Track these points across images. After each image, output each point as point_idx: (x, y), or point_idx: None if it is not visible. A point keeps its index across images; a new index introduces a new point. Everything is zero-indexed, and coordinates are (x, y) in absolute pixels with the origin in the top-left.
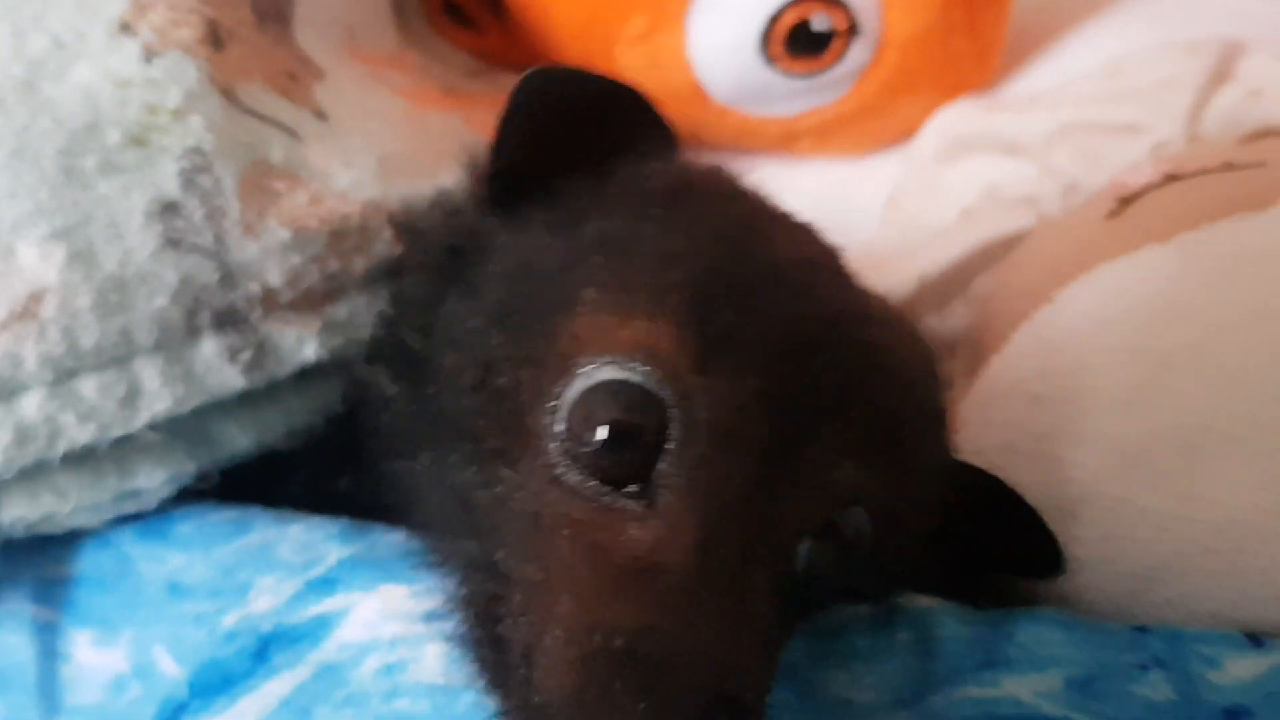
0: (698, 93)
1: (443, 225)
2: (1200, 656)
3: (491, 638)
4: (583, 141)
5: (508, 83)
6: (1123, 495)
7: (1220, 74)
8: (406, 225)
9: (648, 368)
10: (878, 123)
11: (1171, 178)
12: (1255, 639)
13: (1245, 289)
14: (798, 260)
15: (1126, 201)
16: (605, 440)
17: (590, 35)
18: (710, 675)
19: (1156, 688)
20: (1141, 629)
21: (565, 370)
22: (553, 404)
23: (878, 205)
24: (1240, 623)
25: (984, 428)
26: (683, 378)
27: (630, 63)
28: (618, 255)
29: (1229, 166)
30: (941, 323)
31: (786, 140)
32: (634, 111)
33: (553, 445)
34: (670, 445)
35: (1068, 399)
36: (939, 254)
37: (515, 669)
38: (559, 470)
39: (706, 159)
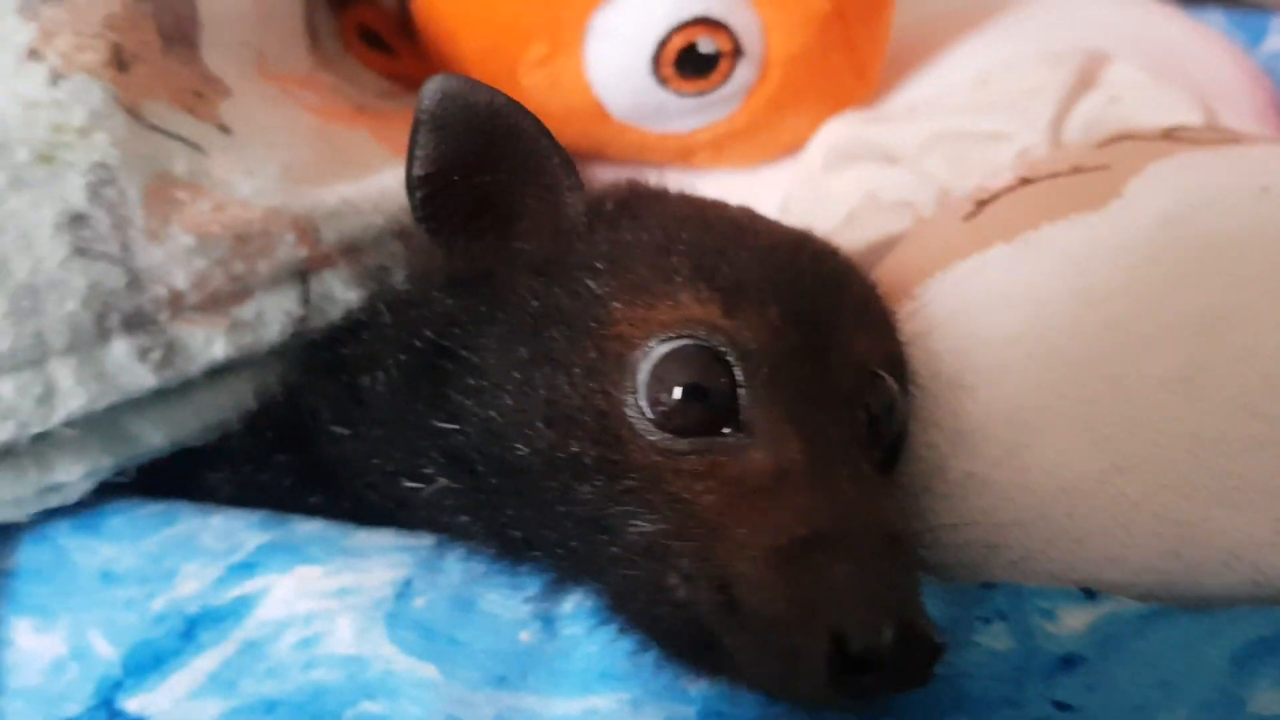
0: (599, 111)
1: (402, 320)
2: (1038, 609)
3: (674, 610)
4: (486, 150)
5: None
6: (968, 470)
7: (1083, 82)
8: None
9: (693, 330)
10: (767, 136)
11: (1025, 181)
12: (1089, 592)
13: (1073, 280)
14: (745, 215)
15: (983, 204)
16: (685, 397)
17: (495, 59)
18: (878, 522)
19: (998, 638)
20: (988, 585)
21: (626, 366)
22: (631, 396)
23: (770, 213)
24: (1077, 582)
25: None
26: (721, 326)
27: (533, 84)
28: (619, 263)
29: (1077, 170)
30: None
31: (684, 154)
32: (525, 127)
33: (647, 429)
34: (740, 381)
35: (920, 386)
36: None
37: (711, 618)
38: (665, 445)
39: (612, 173)
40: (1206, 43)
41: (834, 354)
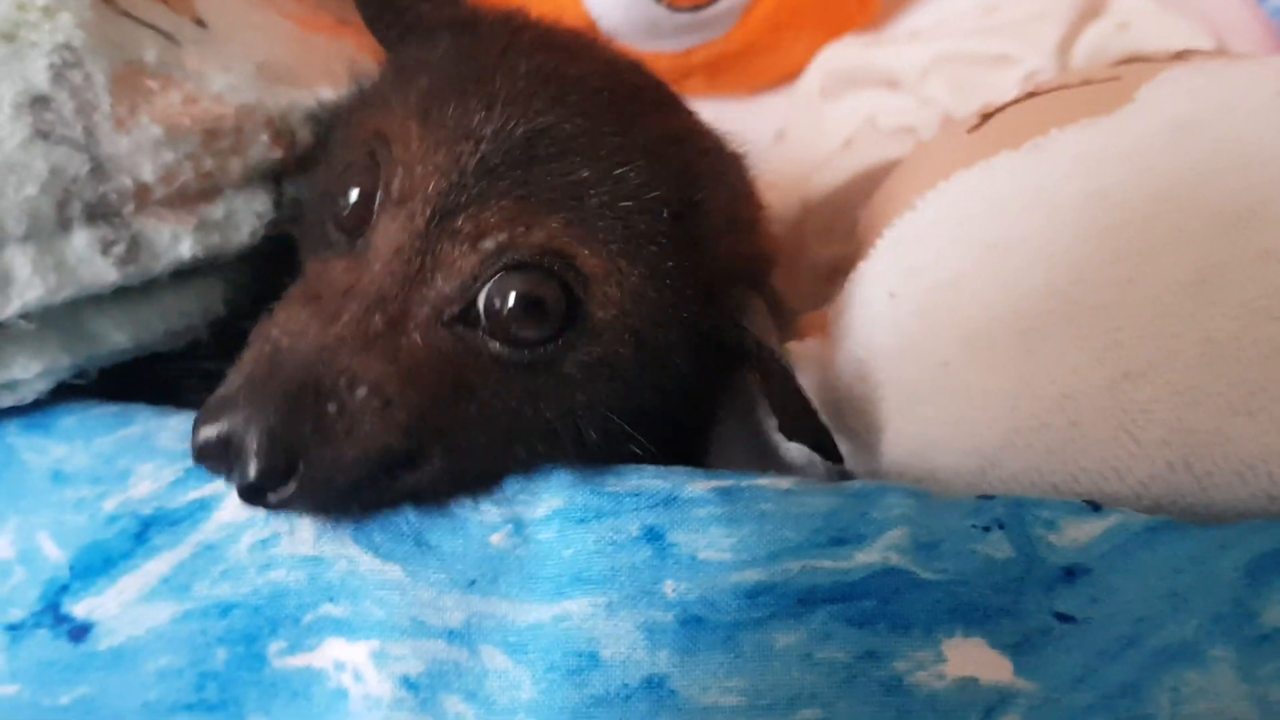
0: (589, 26)
1: None
2: (1040, 520)
3: None
4: None
5: None
6: (968, 378)
7: (1091, 9)
8: None
9: (369, 138)
10: (764, 59)
11: (1032, 95)
12: (1094, 505)
13: (1083, 183)
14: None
15: (988, 116)
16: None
17: None
18: (313, 368)
19: (997, 546)
20: (987, 497)
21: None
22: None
23: (768, 140)
24: (1080, 494)
25: (851, 328)
26: (391, 148)
27: None
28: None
29: (1087, 83)
30: (827, 249)
31: (679, 78)
32: None
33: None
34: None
35: (920, 293)
36: (822, 182)
37: None
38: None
39: None
40: None
41: (470, 220)
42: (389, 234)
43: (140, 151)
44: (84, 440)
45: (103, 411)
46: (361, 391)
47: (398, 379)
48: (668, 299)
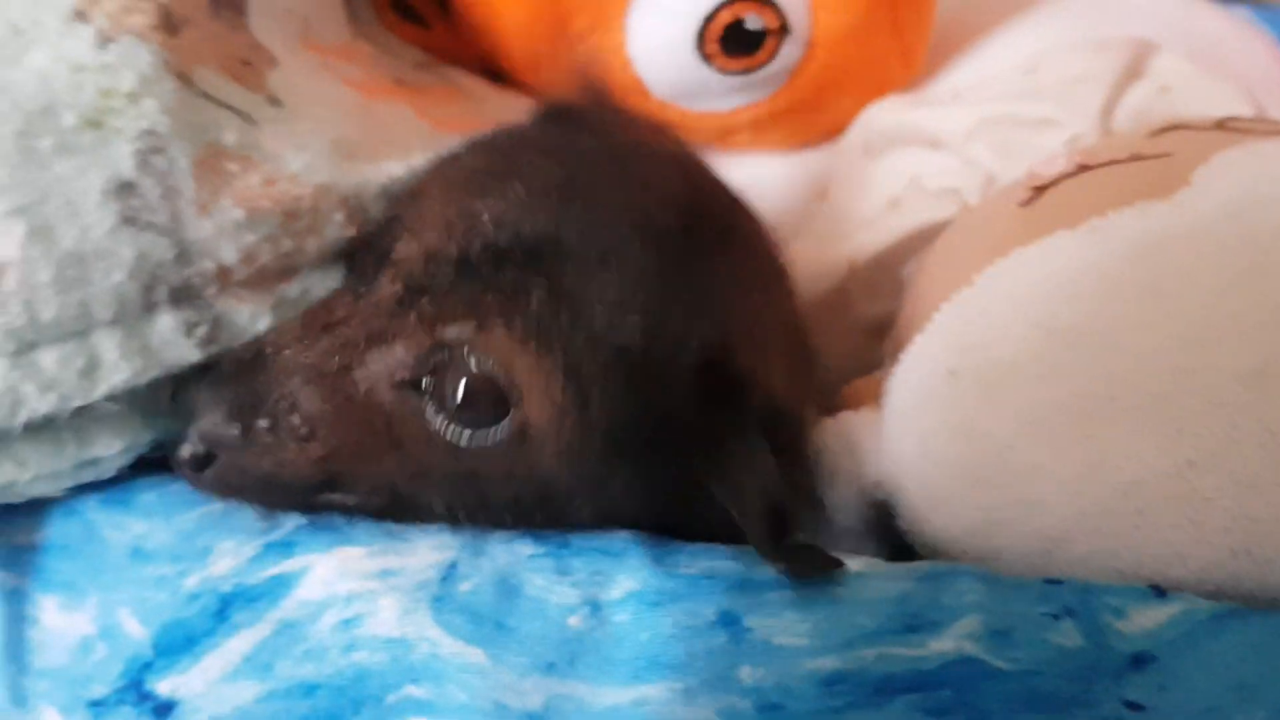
0: (638, 88)
1: None
2: (1108, 607)
3: None
4: None
5: (455, 75)
6: (1032, 461)
7: (1132, 71)
8: None
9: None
10: (809, 118)
11: (1083, 168)
12: (1159, 590)
13: (1143, 270)
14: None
15: (1040, 190)
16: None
17: (533, 34)
18: (267, 383)
19: (1068, 635)
20: (1052, 581)
21: None
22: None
23: (810, 193)
24: (1143, 579)
25: (906, 401)
26: (387, 232)
27: (573, 59)
28: None
29: (1137, 157)
30: (872, 307)
31: (723, 135)
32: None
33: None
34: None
35: (981, 372)
36: (868, 241)
37: None
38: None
39: None
40: (1244, 34)
41: (428, 304)
42: (381, 290)
43: (222, 235)
44: (164, 517)
45: (181, 487)
46: (294, 418)
47: (329, 417)
48: (615, 431)
